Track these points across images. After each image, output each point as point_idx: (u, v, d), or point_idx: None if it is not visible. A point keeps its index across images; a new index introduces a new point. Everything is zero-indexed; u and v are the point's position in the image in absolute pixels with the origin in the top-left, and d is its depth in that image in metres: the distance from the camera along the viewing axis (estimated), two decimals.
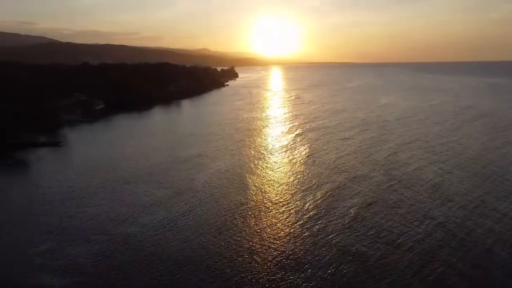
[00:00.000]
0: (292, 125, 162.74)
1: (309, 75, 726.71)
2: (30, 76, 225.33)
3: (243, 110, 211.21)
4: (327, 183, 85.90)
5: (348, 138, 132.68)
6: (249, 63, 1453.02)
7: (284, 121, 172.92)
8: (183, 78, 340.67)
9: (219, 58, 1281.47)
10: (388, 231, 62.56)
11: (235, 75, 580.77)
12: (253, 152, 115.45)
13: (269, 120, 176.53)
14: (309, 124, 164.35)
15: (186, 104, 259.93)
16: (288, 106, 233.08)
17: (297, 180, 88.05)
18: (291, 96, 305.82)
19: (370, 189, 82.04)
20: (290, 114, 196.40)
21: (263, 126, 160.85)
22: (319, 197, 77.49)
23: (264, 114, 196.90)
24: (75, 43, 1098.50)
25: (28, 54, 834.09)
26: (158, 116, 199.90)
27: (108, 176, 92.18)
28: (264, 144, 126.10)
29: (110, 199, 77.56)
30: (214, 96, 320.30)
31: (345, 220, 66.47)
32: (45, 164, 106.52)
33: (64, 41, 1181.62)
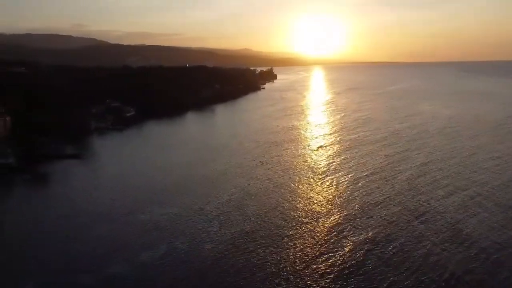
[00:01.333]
0: (315, 138, 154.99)
1: (351, 77, 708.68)
2: (68, 82, 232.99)
3: (271, 118, 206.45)
4: (332, 214, 79.31)
5: (373, 154, 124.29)
6: (290, 63, 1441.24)
7: (309, 133, 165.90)
8: (218, 82, 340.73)
9: (260, 58, 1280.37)
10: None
11: (273, 77, 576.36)
12: (261, 172, 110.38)
13: (293, 131, 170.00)
14: (334, 136, 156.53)
15: (218, 109, 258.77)
16: (319, 113, 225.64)
17: (300, 210, 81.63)
18: (325, 101, 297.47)
19: (382, 223, 74.18)
20: (318, 124, 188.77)
21: (284, 140, 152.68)
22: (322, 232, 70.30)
23: (291, 123, 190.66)
24: (122, 45, 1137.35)
25: (77, 56, 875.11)
26: (187, 124, 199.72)
27: (120, 197, 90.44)
28: (274, 162, 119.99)
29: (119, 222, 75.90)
30: (248, 100, 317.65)
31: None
32: (60, 179, 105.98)
33: (112, 43, 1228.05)
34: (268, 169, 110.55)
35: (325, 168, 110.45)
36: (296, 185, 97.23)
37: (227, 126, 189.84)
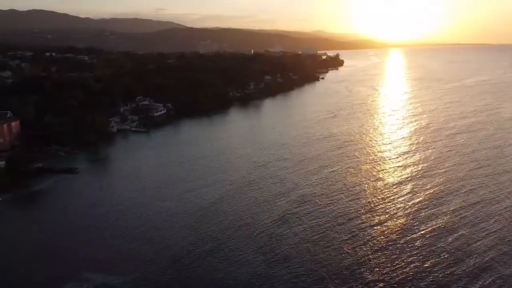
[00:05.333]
0: (352, 154, 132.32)
1: (427, 63, 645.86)
2: (106, 79, 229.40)
3: (311, 122, 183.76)
4: None
5: (420, 180, 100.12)
6: (365, 45, 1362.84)
7: (346, 145, 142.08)
8: (272, 72, 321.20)
9: (332, 41, 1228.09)
10: None
11: (339, 64, 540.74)
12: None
13: (329, 139, 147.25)
14: (376, 153, 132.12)
15: (264, 106, 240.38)
16: (370, 116, 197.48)
17: None
18: (385, 98, 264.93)
19: None
20: (361, 132, 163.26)
21: (316, 153, 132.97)
22: None
23: (331, 129, 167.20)
24: (196, 28, 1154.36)
25: (154, 40, 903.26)
26: (220, 127, 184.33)
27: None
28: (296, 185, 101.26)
29: None
30: (300, 94, 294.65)
31: None
32: (47, 199, 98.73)
33: (187, 26, 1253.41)
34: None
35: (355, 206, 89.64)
36: None
37: (262, 132, 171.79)
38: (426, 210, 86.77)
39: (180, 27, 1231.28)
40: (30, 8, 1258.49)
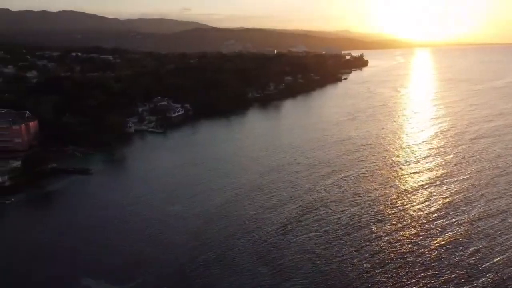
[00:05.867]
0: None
1: (455, 63, 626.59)
2: (127, 79, 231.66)
3: (330, 123, 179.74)
4: None
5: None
6: (391, 45, 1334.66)
7: (362, 148, 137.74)
8: (293, 72, 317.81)
9: (358, 41, 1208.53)
10: None
11: (363, 64, 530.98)
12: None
13: (346, 143, 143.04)
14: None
15: (283, 107, 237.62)
16: (391, 119, 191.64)
17: None
18: (408, 100, 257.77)
19: None
20: (379, 136, 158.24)
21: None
22: None
23: (349, 132, 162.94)
24: (220, 28, 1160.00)
25: (179, 41, 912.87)
26: (236, 129, 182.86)
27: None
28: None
29: None
30: (321, 95, 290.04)
31: None
32: (58, 200, 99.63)
33: (212, 26, 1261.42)
34: None
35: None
36: None
37: (278, 134, 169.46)
38: (442, 220, 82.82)
39: (204, 27, 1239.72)
40: (61, 9, 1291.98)
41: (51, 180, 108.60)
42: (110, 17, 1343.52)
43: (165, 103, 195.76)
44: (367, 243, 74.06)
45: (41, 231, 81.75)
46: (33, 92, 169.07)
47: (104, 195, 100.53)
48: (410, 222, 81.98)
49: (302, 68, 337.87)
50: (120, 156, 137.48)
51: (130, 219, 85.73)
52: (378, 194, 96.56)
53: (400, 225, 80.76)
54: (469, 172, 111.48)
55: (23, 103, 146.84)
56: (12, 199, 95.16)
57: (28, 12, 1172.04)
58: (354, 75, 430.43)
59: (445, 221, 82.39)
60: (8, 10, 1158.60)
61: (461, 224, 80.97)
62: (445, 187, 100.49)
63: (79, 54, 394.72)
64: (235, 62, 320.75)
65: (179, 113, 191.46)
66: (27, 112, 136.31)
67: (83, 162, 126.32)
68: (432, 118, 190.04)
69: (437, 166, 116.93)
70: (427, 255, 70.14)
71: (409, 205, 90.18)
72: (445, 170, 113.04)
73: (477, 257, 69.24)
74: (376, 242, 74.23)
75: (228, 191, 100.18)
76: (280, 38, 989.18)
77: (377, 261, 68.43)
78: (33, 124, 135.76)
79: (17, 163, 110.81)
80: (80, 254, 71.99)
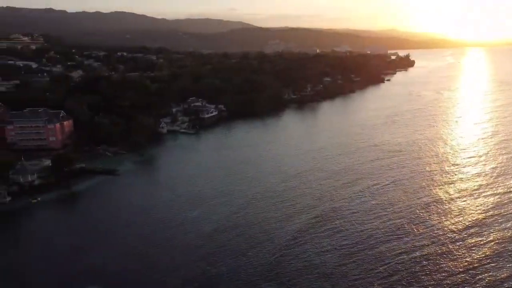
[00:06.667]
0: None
1: (510, 64, 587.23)
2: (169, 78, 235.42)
3: (366, 127, 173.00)
4: None
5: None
6: (441, 45, 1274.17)
7: (395, 155, 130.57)
8: (333, 73, 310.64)
9: (405, 40, 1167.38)
10: None
11: (409, 64, 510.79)
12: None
13: (379, 148, 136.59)
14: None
15: (319, 109, 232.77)
16: (432, 123, 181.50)
17: None
18: (454, 103, 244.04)
19: None
20: (417, 141, 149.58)
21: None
22: None
23: (384, 136, 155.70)
24: (264, 28, 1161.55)
25: (224, 40, 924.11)
26: (272, 129, 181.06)
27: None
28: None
29: None
30: (361, 97, 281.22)
31: None
32: (82, 201, 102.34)
33: (256, 26, 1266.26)
34: None
35: None
36: None
37: (309, 137, 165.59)
38: (472, 240, 76.18)
39: (249, 26, 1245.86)
40: (113, 10, 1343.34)
41: (78, 180, 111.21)
42: (159, 17, 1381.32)
43: (199, 103, 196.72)
44: (385, 261, 69.14)
45: (58, 232, 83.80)
46: (72, 92, 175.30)
47: (127, 197, 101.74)
48: (435, 241, 75.83)
49: (342, 68, 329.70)
50: (149, 157, 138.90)
51: (149, 223, 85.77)
52: (404, 206, 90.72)
53: (423, 243, 74.90)
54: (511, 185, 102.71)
55: (61, 103, 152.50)
56: (38, 199, 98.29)
57: (83, 13, 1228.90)
58: (398, 76, 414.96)
59: (476, 240, 75.58)
60: (64, 11, 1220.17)
61: (493, 244, 74.05)
62: (480, 201, 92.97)
63: (124, 53, 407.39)
64: (274, 63, 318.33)
65: (212, 114, 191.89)
66: (62, 111, 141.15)
67: (113, 162, 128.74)
68: (476, 124, 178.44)
69: (475, 177, 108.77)
70: (456, 275, 64.59)
71: (437, 221, 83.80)
72: (483, 182, 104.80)
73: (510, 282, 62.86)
74: (395, 261, 69.16)
75: (248, 197, 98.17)
76: (325, 38, 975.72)
77: (393, 282, 63.74)
78: (67, 123, 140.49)
79: (48, 162, 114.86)
80: (91, 256, 72.67)
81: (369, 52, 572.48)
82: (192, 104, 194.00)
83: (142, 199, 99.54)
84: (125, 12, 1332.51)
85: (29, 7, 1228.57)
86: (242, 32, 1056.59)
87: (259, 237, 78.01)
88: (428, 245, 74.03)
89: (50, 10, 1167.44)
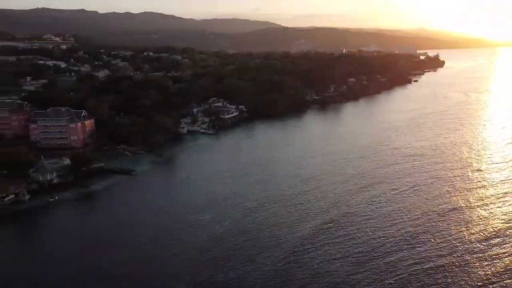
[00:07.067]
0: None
1: None
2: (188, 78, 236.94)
3: (388, 130, 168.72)
4: None
5: None
6: (472, 45, 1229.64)
7: (416, 159, 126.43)
8: (358, 74, 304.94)
9: (436, 40, 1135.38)
10: None
11: (439, 64, 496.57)
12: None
13: (399, 152, 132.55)
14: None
15: (341, 111, 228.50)
16: (458, 127, 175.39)
17: None
18: (483, 106, 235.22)
19: None
20: (440, 146, 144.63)
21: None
22: None
23: (406, 140, 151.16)
24: (290, 27, 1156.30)
25: (250, 40, 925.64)
26: (292, 130, 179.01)
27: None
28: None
29: None
30: (386, 99, 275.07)
31: None
32: (96, 201, 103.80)
33: (283, 25, 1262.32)
34: None
35: None
36: None
37: (327, 140, 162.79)
38: (498, 249, 73.00)
39: (275, 26, 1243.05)
40: (142, 11, 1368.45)
41: (96, 179, 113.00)
42: (186, 17, 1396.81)
43: (220, 104, 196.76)
44: (397, 272, 66.49)
45: (69, 232, 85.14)
46: (96, 91, 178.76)
47: (141, 198, 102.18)
48: (452, 251, 72.54)
49: (368, 69, 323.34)
50: (167, 158, 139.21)
51: (160, 225, 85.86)
52: (421, 213, 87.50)
53: (439, 253, 71.81)
54: None
55: (84, 102, 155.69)
56: (56, 198, 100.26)
57: (113, 14, 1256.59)
58: (426, 77, 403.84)
59: (497, 252, 71.99)
60: (96, 12, 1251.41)
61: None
62: (504, 210, 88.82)
63: (150, 53, 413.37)
64: (297, 63, 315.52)
65: (232, 115, 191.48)
66: (84, 111, 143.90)
67: (131, 162, 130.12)
68: (505, 128, 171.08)
69: (500, 184, 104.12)
70: None
71: (456, 230, 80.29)
72: (509, 190, 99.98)
73: None
74: (408, 272, 66.37)
75: (260, 200, 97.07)
76: (352, 38, 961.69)
77: None
78: (89, 123, 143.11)
79: (67, 161, 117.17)
80: (99, 256, 73.36)
81: (397, 52, 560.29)
82: (213, 105, 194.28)
83: (156, 200, 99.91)
84: (154, 13, 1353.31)
85: (63, 8, 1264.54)
86: (268, 32, 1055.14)
87: (269, 242, 76.78)
88: (444, 256, 70.94)
89: (82, 11, 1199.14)
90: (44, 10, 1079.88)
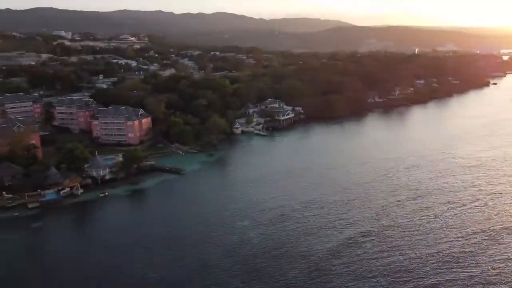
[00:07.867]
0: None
1: None
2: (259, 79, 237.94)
3: (455, 138, 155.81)
4: None
5: None
6: None
7: (479, 171, 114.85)
8: (427, 75, 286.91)
9: None
10: None
11: None
12: None
13: (462, 162, 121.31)
14: None
15: (407, 115, 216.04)
16: None
17: None
18: None
19: None
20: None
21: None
22: None
23: (473, 150, 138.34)
24: (362, 26, 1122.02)
25: (320, 40, 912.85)
26: (349, 135, 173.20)
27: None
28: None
29: None
30: (458, 103, 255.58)
31: None
32: (144, 199, 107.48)
33: (353, 24, 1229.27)
34: None
35: None
36: None
37: (386, 146, 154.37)
38: None
39: (346, 25, 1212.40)
40: (215, 11, 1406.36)
41: (145, 177, 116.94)
42: (256, 17, 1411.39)
43: (276, 105, 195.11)
44: None
45: (112, 228, 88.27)
46: (156, 90, 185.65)
47: (186, 199, 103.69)
48: (502, 281, 64.77)
49: (439, 70, 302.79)
50: (217, 158, 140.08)
51: (199, 229, 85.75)
52: (473, 232, 79.42)
53: (490, 281, 64.43)
54: None
55: (142, 100, 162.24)
56: (106, 193, 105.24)
57: (187, 14, 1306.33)
58: (508, 80, 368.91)
59: None
60: (172, 13, 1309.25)
61: None
62: None
63: (217, 53, 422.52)
64: (361, 63, 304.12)
65: (288, 116, 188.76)
66: (141, 109, 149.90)
67: (182, 161, 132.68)
68: None
69: None
70: None
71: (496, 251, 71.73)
72: None
73: None
74: None
75: (300, 205, 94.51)
76: (427, 36, 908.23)
77: None
78: (145, 121, 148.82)
79: (119, 157, 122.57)
80: (134, 255, 75.52)
81: (478, 51, 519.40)
82: (269, 106, 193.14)
83: (199, 202, 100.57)
84: (225, 13, 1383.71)
85: (143, 10, 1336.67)
86: (338, 31, 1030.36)
87: (302, 253, 74.00)
88: (494, 284, 63.43)
89: (159, 12, 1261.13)
90: (126, 11, 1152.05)
